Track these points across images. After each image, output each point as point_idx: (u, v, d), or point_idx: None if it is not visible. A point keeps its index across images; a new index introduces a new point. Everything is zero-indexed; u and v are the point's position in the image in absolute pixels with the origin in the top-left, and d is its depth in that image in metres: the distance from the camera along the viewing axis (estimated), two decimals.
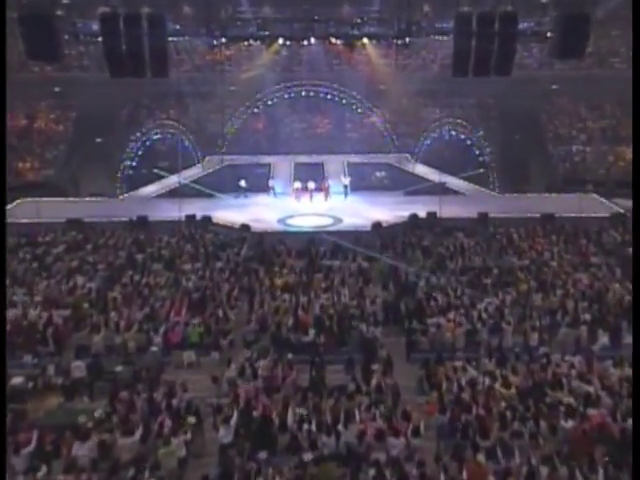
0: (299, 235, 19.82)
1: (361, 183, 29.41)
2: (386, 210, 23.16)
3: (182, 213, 21.16)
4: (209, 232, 20.03)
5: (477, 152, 29.05)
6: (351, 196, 25.70)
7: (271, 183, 26.01)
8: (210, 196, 25.85)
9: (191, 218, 21.17)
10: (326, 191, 25.06)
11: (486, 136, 29.33)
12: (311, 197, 24.74)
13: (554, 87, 31.69)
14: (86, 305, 14.07)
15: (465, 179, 26.79)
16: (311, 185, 24.90)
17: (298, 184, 25.07)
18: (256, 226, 20.84)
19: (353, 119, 33.73)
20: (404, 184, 27.56)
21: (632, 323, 11.08)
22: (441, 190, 22.46)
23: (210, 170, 29.57)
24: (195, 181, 27.45)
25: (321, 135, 33.72)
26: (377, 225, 20.62)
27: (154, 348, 12.44)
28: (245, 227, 20.56)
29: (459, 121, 29.67)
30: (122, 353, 12.35)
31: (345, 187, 25.36)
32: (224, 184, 28.48)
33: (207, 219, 21.13)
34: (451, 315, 13.60)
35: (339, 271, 16.35)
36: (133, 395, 10.26)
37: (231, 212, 22.83)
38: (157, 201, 24.75)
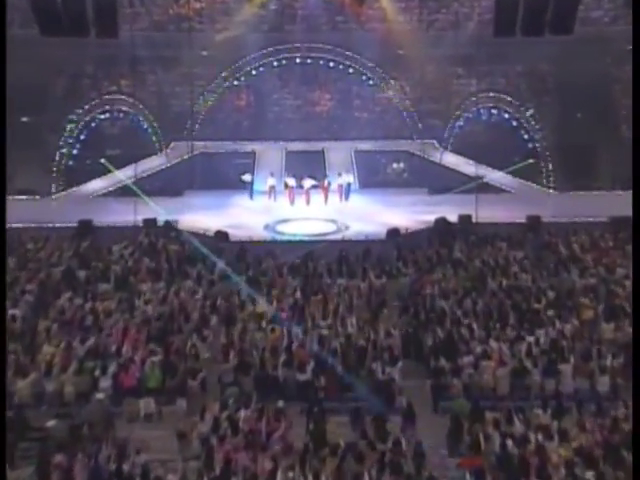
0: (292, 246, 19.99)
1: (373, 178, 29.68)
2: (405, 213, 23.33)
3: (139, 216, 21.32)
4: (174, 242, 20.18)
5: (526, 137, 29.29)
6: (360, 195, 25.95)
7: (247, 178, 26.34)
8: (176, 194, 26.10)
9: (151, 223, 21.34)
10: (327, 190, 25.33)
11: (539, 115, 29.54)
12: (308, 199, 25.01)
13: (631, 48, 31.67)
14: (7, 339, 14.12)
15: (510, 172, 27.03)
16: (308, 183, 25.14)
17: (291, 181, 25.36)
18: (236, 234, 21.03)
19: (363, 94, 33.98)
20: (429, 179, 27.77)
21: (632, 323, 12.42)
22: (478, 187, 22.66)
23: (176, 160, 29.84)
24: (156, 175, 27.74)
25: (321, 115, 33.95)
26: (394, 233, 20.81)
27: (100, 395, 12.46)
28: (222, 235, 20.70)
29: (502, 96, 29.96)
30: (56, 403, 12.39)
31: (347, 186, 25.64)
32: (195, 178, 28.85)
33: (172, 225, 21.30)
34: (492, 350, 13.69)
35: (344, 292, 16.47)
36: (71, 460, 10.06)
37: (203, 215, 23.03)
38: (105, 201, 24.96)
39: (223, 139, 32.04)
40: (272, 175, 25.83)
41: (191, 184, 28.36)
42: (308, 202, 25.04)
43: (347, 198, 25.60)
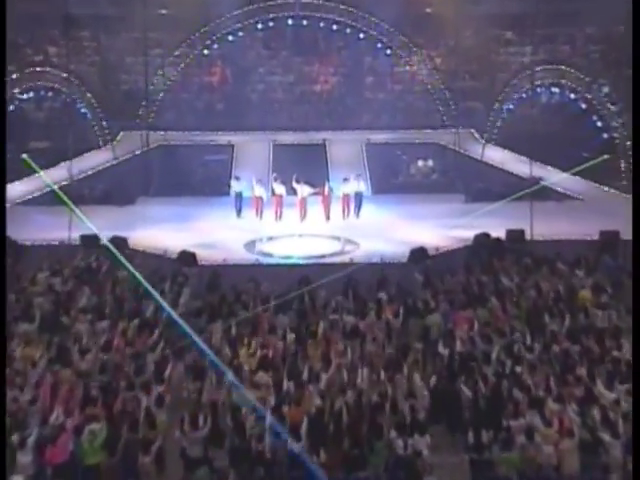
0: (283, 271, 20.19)
1: (391, 180, 30.06)
2: (435, 227, 23.60)
3: (75, 232, 21.50)
4: (123, 266, 20.25)
5: (599, 124, 29.45)
6: (374, 203, 26.12)
7: (238, 186, 26.00)
8: (126, 202, 26.27)
9: (91, 241, 21.47)
10: (328, 201, 25.35)
11: (616, 95, 29.69)
12: (302, 213, 25.09)
13: None
14: None
15: (578, 173, 27.16)
16: (303, 190, 25.13)
17: (279, 187, 25.38)
18: (207, 255, 21.27)
19: (377, 68, 34.42)
20: (467, 182, 28.05)
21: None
22: (533, 192, 22.80)
23: (126, 156, 30.12)
24: (99, 176, 27.97)
25: (321, 96, 34.39)
26: (419, 254, 20.99)
27: (18, 478, 12.46)
28: (188, 257, 20.91)
29: (567, 69, 30.19)
30: None
31: (357, 197, 25.58)
32: (151, 181, 29.07)
33: (120, 243, 21.45)
34: (553, 414, 13.70)
35: (353, 334, 16.50)
36: None
37: (163, 231, 23.30)
38: (28, 211, 25.20)
39: (189, 128, 32.43)
40: (259, 182, 25.60)
41: (146, 189, 28.61)
42: (303, 217, 25.10)
43: (357, 213, 25.55)
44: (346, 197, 25.43)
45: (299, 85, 34.49)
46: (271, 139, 31.27)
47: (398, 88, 34.04)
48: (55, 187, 23.44)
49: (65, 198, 21.83)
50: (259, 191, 25.37)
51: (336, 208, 25.33)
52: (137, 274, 19.45)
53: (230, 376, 14.66)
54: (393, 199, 26.95)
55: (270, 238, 23.55)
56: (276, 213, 25.16)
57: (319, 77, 34.69)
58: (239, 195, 25.62)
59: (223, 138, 31.62)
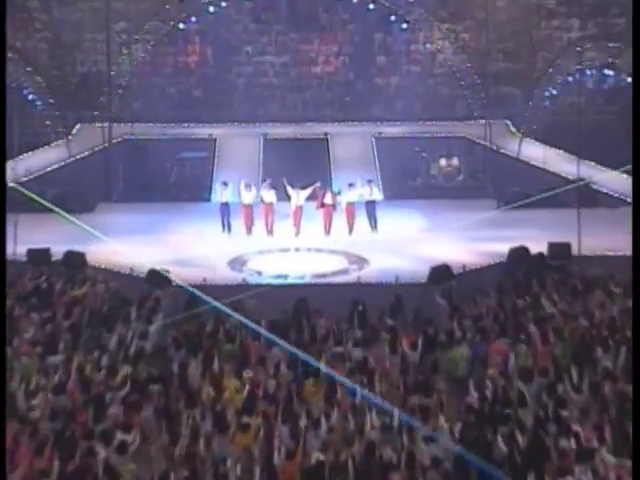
0: (276, 293, 20.26)
1: (407, 183, 30.19)
2: (461, 240, 23.80)
3: (21, 246, 21.61)
4: (80, 287, 20.33)
5: None
6: (387, 211, 26.09)
7: (227, 194, 25.61)
8: (84, 209, 26.23)
9: (41, 257, 21.57)
10: (331, 211, 25.18)
11: None
12: (297, 226, 25.04)
13: None
14: None
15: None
16: (299, 196, 24.96)
17: (268, 194, 25.22)
18: (183, 274, 21.37)
19: (392, 46, 34.47)
20: (500, 184, 28.06)
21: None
22: (581, 196, 22.82)
23: (85, 153, 30.18)
24: (51, 176, 27.94)
25: (322, 80, 34.44)
26: (442, 272, 21.04)
27: None
28: (159, 276, 20.96)
29: (621, 47, 30.21)
30: None
31: (370, 207, 25.50)
32: (115, 183, 29.02)
33: (76, 259, 21.48)
34: (607, 469, 13.64)
35: (360, 369, 16.45)
36: None
37: (129, 244, 23.37)
38: None
39: (161, 119, 32.51)
40: (248, 187, 25.34)
41: (108, 193, 28.69)
42: (298, 230, 25.09)
43: (374, 226, 25.44)
44: (351, 207, 25.35)
45: (295, 67, 34.59)
46: (261, 133, 31.35)
47: (416, 70, 34.15)
48: (33, 177, 23.61)
49: (16, 202, 21.95)
50: (248, 198, 25.23)
51: (339, 222, 25.41)
52: (97, 297, 19.50)
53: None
54: (409, 206, 27.02)
55: (260, 253, 23.57)
56: (266, 225, 25.15)
57: (319, 57, 34.78)
58: (226, 206, 25.49)
59: (203, 131, 31.69)
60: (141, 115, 32.24)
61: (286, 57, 34.64)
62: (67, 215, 23.09)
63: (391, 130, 31.62)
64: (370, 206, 25.51)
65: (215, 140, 30.94)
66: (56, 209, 22.77)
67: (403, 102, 33.22)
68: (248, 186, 25.35)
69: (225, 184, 25.72)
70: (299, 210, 25.07)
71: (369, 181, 25.89)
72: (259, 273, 22.21)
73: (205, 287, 20.52)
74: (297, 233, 25.03)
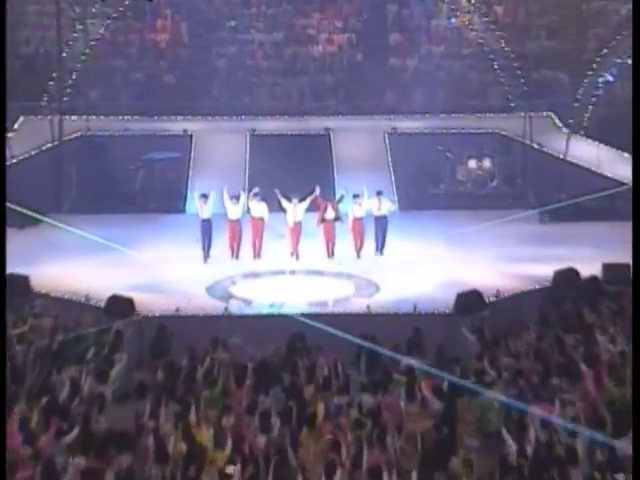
0: (266, 326, 20.30)
1: (428, 190, 30.13)
2: (494, 260, 23.81)
3: None
4: (24, 319, 20.24)
5: None
6: (402, 224, 25.97)
7: (201, 208, 24.59)
8: (28, 222, 26.15)
9: None
10: (333, 226, 24.98)
11: None
12: (295, 246, 24.92)
13: None
14: None
15: None
16: (298, 210, 24.74)
17: (258, 207, 24.91)
18: (151, 303, 21.43)
19: (408, 21, 34.47)
20: (542, 190, 27.90)
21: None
22: None
23: (31, 153, 30.09)
24: None
25: (322, 63, 34.39)
26: (472, 300, 21.02)
27: None
28: (121, 305, 20.94)
29: None
30: None
31: (380, 222, 25.30)
32: (66, 189, 28.90)
33: (18, 283, 21.43)
34: None
35: (369, 419, 16.36)
36: None
37: (84, 265, 23.42)
38: None
39: (124, 111, 32.36)
40: (234, 199, 24.88)
41: (59, 202, 28.59)
42: (296, 253, 24.87)
43: (380, 249, 25.30)
44: (358, 223, 25.13)
45: (290, 46, 34.54)
46: (248, 128, 31.22)
47: (438, 51, 34.08)
48: None
49: None
50: (235, 212, 24.91)
51: (344, 240, 25.22)
52: (44, 332, 19.43)
53: None
54: (430, 218, 26.91)
55: (246, 277, 23.48)
56: (254, 246, 24.78)
57: (320, 35, 34.76)
58: (208, 224, 24.99)
59: (176, 126, 31.55)
60: (99, 106, 32.13)
61: (278, 34, 34.61)
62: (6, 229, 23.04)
63: (408, 125, 31.51)
64: (380, 222, 25.31)
65: (191, 137, 30.80)
66: None
67: (423, 90, 33.09)
68: (234, 198, 24.94)
69: (205, 197, 25.08)
70: (297, 227, 24.85)
71: (378, 193, 25.54)
72: (246, 301, 22.15)
73: (179, 318, 20.56)
74: (296, 256, 24.84)
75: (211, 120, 32.22)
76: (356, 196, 25.16)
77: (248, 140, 30.62)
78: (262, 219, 24.90)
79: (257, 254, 24.88)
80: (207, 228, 25.00)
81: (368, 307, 21.30)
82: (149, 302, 21.43)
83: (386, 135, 30.82)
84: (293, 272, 23.88)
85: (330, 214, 24.99)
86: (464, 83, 33.28)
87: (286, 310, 21.38)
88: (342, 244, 25.17)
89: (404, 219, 26.92)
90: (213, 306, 21.68)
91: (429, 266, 23.82)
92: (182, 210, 28.23)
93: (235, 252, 24.91)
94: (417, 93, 33.48)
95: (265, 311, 21.66)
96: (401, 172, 29.36)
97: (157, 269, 23.72)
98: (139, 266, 23.86)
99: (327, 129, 31.30)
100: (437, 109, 32.52)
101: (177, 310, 21.06)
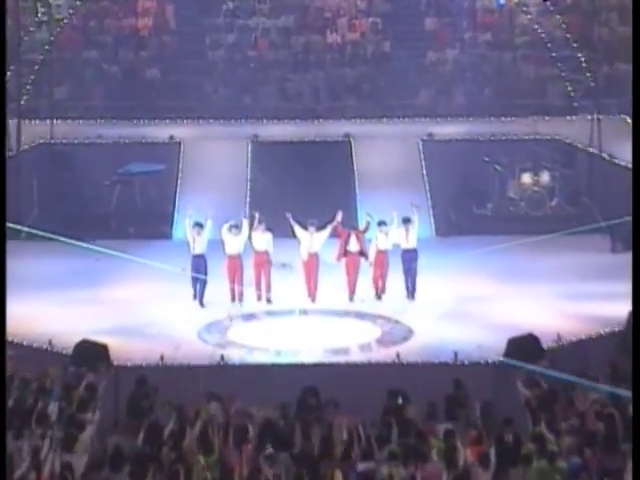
0: (272, 377, 20.35)
1: (472, 210, 30.49)
2: (555, 297, 23.94)
3: None
4: None
5: None
6: (439, 252, 26.07)
7: (194, 239, 24.51)
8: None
9: None
10: (356, 260, 25.01)
11: None
12: (314, 283, 25.06)
13: None
14: None
15: None
16: (316, 239, 24.74)
17: (262, 238, 24.84)
18: (129, 349, 21.55)
19: (447, 3, 34.65)
20: (613, 211, 27.97)
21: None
22: None
23: None
24: None
25: (342, 54, 34.58)
26: (526, 346, 21.06)
27: None
28: (93, 352, 21.00)
29: None
30: None
31: (404, 257, 25.16)
32: (27, 209, 28.97)
33: None
34: None
35: None
36: None
37: (48, 302, 23.64)
38: None
39: (97, 114, 32.57)
40: (235, 229, 24.78)
41: (16, 224, 28.75)
42: (313, 294, 24.93)
43: (411, 291, 25.12)
44: (381, 256, 25.13)
45: (301, 34, 34.73)
46: (249, 134, 31.38)
47: (485, 39, 34.23)
48: None
49: None
50: (235, 245, 24.79)
51: (367, 277, 25.28)
52: None
53: None
54: (475, 245, 26.83)
55: (246, 318, 23.70)
56: (257, 285, 24.87)
57: (338, 19, 34.93)
58: (201, 260, 24.85)
59: (160, 132, 31.72)
60: (66, 107, 32.35)
61: (287, 19, 34.80)
62: None
63: (447, 130, 31.63)
64: (408, 257, 25.14)
65: (179, 145, 30.97)
66: None
67: (465, 87, 33.24)
68: (235, 227, 24.91)
69: (199, 225, 24.92)
70: (313, 261, 24.89)
71: (405, 221, 25.24)
72: (247, 348, 22.25)
73: (164, 369, 20.67)
74: (313, 294, 24.93)
75: (204, 124, 32.36)
76: (382, 223, 25.12)
77: (249, 149, 30.74)
78: (266, 253, 24.93)
79: (260, 295, 24.88)
80: (200, 266, 24.84)
81: (398, 355, 21.35)
82: (127, 349, 21.59)
83: (420, 143, 30.92)
84: (305, 312, 23.89)
85: (354, 246, 25.04)
86: (516, 78, 33.41)
87: (296, 359, 21.50)
88: (364, 277, 25.31)
89: (442, 247, 27.26)
90: (206, 354, 21.78)
91: (473, 304, 24.03)
92: (168, 236, 28.42)
93: (237, 293, 24.84)
94: (458, 91, 33.60)
95: (270, 360, 21.75)
96: (438, 189, 29.46)
97: (137, 308, 23.91)
98: (115, 305, 24.02)
99: (347, 135, 31.42)
100: (483, 111, 32.65)
101: (162, 359, 21.08)
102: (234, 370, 21.04)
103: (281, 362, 21.59)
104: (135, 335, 22.42)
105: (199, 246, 24.71)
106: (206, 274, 24.73)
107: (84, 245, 26.71)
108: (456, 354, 21.16)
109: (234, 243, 24.76)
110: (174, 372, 20.67)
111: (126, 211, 29.86)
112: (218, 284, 24.89)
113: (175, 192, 29.27)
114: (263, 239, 24.95)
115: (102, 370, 20.65)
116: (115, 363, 20.91)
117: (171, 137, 31.31)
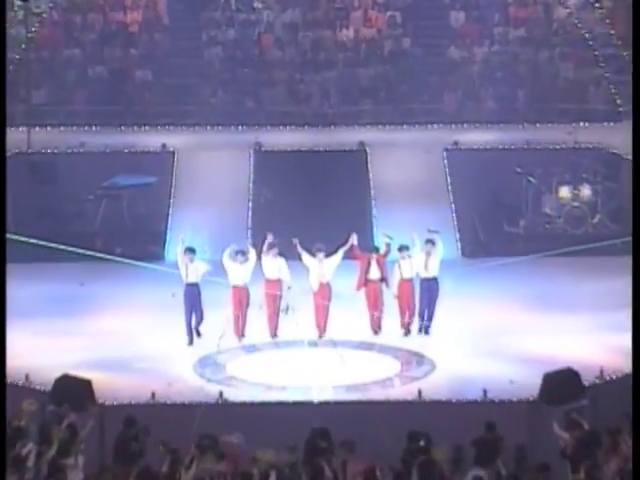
0: (277, 417, 20.38)
1: (502, 228, 30.61)
2: (597, 328, 24.09)
3: None
4: None
5: None
6: (466, 275, 26.07)
7: (187, 266, 24.10)
8: None
9: None
10: (377, 289, 24.93)
11: None
12: (324, 316, 24.85)
13: None
14: None
15: None
16: (327, 266, 24.70)
17: (274, 262, 24.76)
18: (117, 386, 21.58)
19: None
20: None
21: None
22: None
23: None
24: None
25: (357, 53, 34.72)
26: (565, 381, 21.05)
27: None
28: (75, 389, 21.01)
29: None
30: None
31: (423, 287, 25.11)
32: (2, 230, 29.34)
33: None
34: None
35: None
36: None
37: (25, 333, 23.65)
38: None
39: (79, 120, 32.68)
40: (241, 255, 24.57)
41: None
42: (322, 328, 24.78)
43: (425, 326, 24.90)
44: (406, 286, 24.98)
45: (310, 30, 34.85)
46: (252, 142, 31.46)
47: (518, 35, 34.33)
48: None
49: None
50: (240, 275, 24.54)
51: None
52: None
53: None
54: (506, 268, 26.90)
55: (247, 350, 23.81)
56: (270, 320, 24.70)
57: (352, 13, 35.05)
58: (195, 290, 24.65)
59: (152, 140, 31.83)
60: (45, 112, 32.50)
61: (294, 13, 34.91)
62: None
63: (474, 138, 31.71)
64: (427, 286, 25.04)
65: (173, 155, 31.07)
66: None
67: (495, 90, 33.31)
68: (241, 254, 24.72)
69: (191, 251, 24.69)
70: (324, 291, 24.77)
71: (427, 242, 25.03)
72: (249, 383, 22.34)
73: (155, 408, 20.71)
74: (320, 332, 24.78)
75: (200, 131, 32.47)
76: (404, 248, 24.93)
77: (252, 159, 30.84)
78: (278, 281, 24.67)
79: (273, 329, 24.77)
80: (194, 296, 24.59)
81: (420, 392, 21.36)
82: (113, 385, 21.67)
83: (444, 152, 30.99)
84: (314, 344, 23.92)
85: (375, 273, 24.95)
86: (553, 80, 33.48)
87: (305, 397, 21.55)
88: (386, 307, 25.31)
89: (469, 269, 27.23)
90: (203, 391, 21.87)
91: (504, 335, 24.10)
92: (159, 257, 28.48)
93: (240, 328, 24.64)
94: (487, 94, 33.66)
95: (275, 398, 21.74)
96: (465, 204, 29.53)
97: (125, 339, 23.93)
98: (100, 335, 24.08)
99: (362, 144, 31.51)
100: (515, 116, 32.72)
101: (153, 396, 21.12)
102: (234, 409, 21.02)
103: (287, 400, 21.51)
104: (123, 370, 22.48)
105: (192, 274, 24.48)
106: (200, 305, 24.49)
107: (66, 267, 26.98)
108: (485, 391, 21.14)
109: (239, 272, 24.61)
110: (167, 411, 20.70)
111: (113, 229, 29.98)
112: (217, 312, 24.87)
113: (168, 208, 29.36)
114: (275, 265, 24.77)
115: (86, 409, 20.67)
116: (100, 401, 20.89)
117: (163, 146, 31.38)
